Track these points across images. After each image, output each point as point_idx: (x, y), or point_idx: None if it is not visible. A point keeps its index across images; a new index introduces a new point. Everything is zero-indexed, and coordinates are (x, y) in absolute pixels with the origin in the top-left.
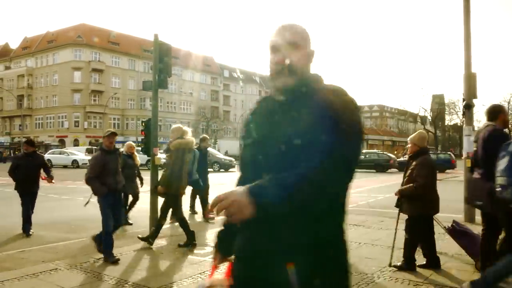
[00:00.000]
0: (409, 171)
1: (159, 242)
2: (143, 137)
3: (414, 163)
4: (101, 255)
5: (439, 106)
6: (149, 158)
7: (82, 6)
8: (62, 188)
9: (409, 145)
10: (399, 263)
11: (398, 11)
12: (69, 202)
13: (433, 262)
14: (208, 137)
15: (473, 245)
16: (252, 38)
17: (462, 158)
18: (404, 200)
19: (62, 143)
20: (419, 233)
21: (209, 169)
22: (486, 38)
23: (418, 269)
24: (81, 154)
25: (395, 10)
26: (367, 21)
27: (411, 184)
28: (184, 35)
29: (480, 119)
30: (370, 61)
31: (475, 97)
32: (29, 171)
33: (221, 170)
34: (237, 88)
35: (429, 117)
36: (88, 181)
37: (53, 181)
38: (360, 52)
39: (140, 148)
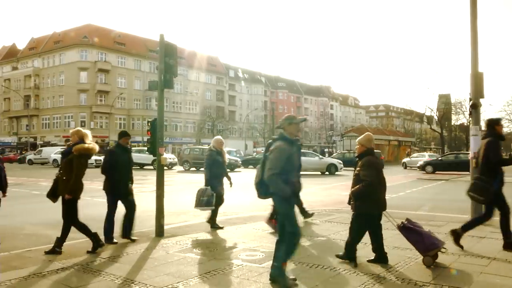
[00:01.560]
0: (356, 170)
1: (165, 242)
2: (149, 137)
3: (360, 163)
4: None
5: (446, 105)
6: (155, 158)
7: (88, 7)
8: None
9: (357, 146)
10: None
11: (404, 10)
12: None
13: (382, 258)
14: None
15: (420, 242)
16: (257, 38)
17: (469, 158)
18: (353, 198)
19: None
20: (364, 230)
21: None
22: (493, 37)
23: (424, 270)
24: None
25: (401, 9)
26: (373, 20)
27: (360, 185)
28: (190, 35)
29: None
30: (376, 61)
31: (482, 96)
32: (126, 169)
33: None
34: (243, 88)
35: (436, 117)
36: (271, 178)
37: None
38: (366, 51)
39: (146, 148)
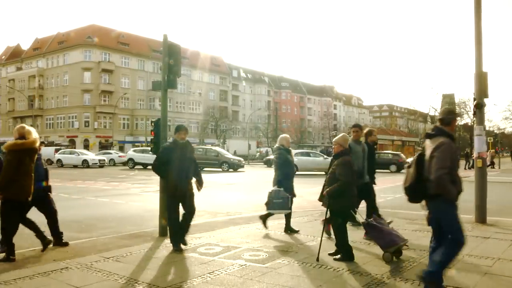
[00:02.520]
0: (331, 169)
1: (169, 242)
2: (152, 137)
3: (336, 162)
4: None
5: (449, 105)
6: None
7: (92, 7)
8: (73, 187)
9: (334, 146)
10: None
11: (408, 10)
12: (79, 201)
13: (344, 255)
14: (375, 130)
15: (380, 238)
16: (261, 38)
17: (473, 157)
18: (327, 197)
19: (72, 143)
20: (334, 225)
21: (230, 170)
22: (497, 36)
23: None
24: (91, 154)
25: (405, 8)
26: (376, 20)
27: (336, 184)
28: (193, 35)
29: (491, 119)
30: (380, 61)
31: (486, 96)
32: (183, 166)
33: (230, 170)
34: (246, 88)
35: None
36: (442, 178)
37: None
38: (369, 51)
39: (149, 148)
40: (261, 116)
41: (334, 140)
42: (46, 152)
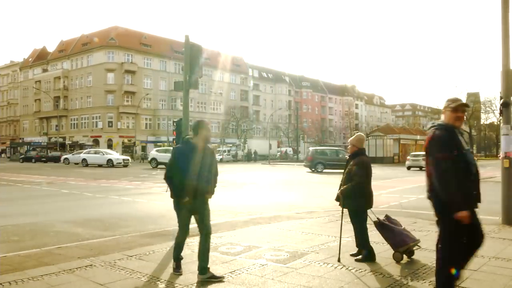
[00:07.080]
0: (347, 169)
1: (190, 241)
2: (174, 137)
3: (351, 162)
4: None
5: (474, 104)
6: None
7: (115, 9)
8: (97, 186)
9: (349, 146)
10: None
11: (431, 5)
12: (103, 200)
13: (368, 255)
14: None
15: (391, 238)
16: (282, 38)
17: (499, 158)
18: (342, 196)
19: (96, 143)
20: (354, 225)
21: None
22: None
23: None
24: (115, 154)
25: (428, 4)
26: (399, 17)
27: (349, 184)
28: (214, 35)
29: None
30: (402, 59)
31: None
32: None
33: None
34: (267, 88)
35: (464, 116)
36: None
37: None
38: (391, 49)
39: (171, 148)
40: (282, 116)
41: (349, 140)
42: None
